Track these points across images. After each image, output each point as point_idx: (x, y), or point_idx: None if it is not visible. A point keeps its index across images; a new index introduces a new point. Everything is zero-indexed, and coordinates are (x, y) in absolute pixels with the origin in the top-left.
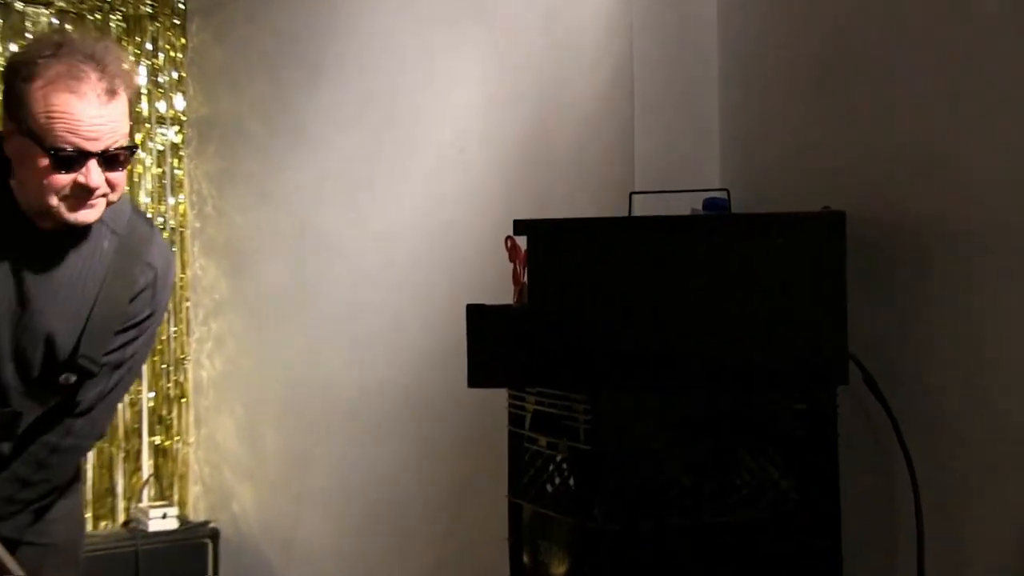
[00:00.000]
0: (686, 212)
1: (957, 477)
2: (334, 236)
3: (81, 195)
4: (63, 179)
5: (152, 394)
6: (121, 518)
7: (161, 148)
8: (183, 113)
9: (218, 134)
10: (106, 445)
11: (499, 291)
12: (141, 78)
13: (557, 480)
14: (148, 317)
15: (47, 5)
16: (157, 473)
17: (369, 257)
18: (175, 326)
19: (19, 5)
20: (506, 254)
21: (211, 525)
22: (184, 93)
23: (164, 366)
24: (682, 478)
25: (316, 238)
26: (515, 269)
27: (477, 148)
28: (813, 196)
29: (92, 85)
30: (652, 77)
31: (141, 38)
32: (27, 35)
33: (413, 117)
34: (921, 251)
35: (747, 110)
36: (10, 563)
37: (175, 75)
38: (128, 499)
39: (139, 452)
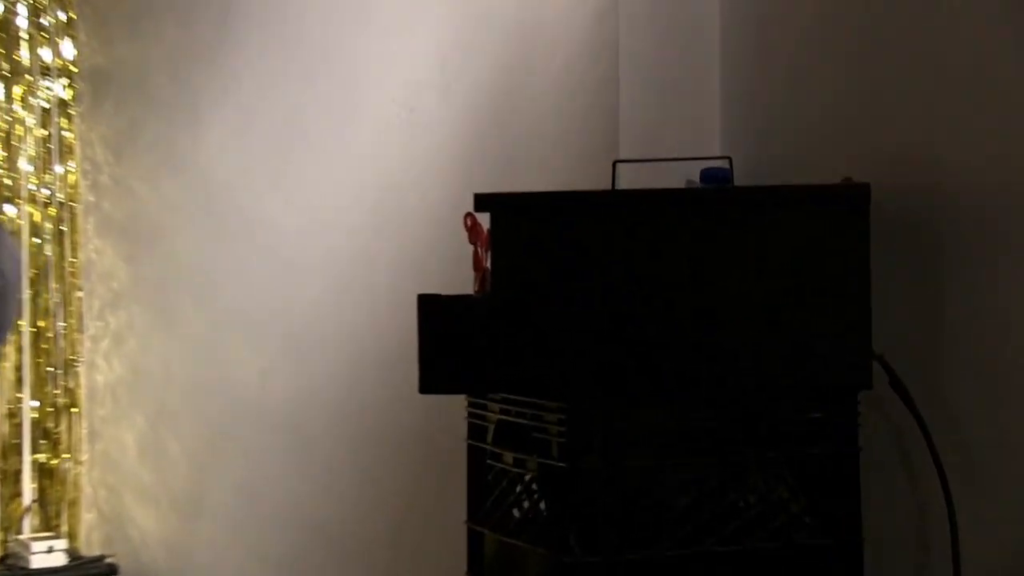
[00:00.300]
0: (681, 184)
1: (998, 498)
2: (257, 212)
3: None
4: None
5: (36, 403)
6: None
7: (46, 105)
8: (73, 63)
9: (116, 88)
10: None
11: (457, 279)
12: (20, 19)
13: (526, 504)
14: None
15: None
16: (41, 498)
17: (300, 238)
18: (64, 321)
19: None
20: (465, 235)
21: (108, 560)
22: (74, 39)
23: (51, 369)
24: (677, 499)
25: (236, 215)
26: (476, 252)
27: (430, 106)
28: (832, 166)
29: None
30: (640, 23)
31: None
32: None
33: (353, 68)
34: (960, 230)
35: (754, 63)
36: None
37: (62, 16)
38: (5, 530)
39: (19, 473)
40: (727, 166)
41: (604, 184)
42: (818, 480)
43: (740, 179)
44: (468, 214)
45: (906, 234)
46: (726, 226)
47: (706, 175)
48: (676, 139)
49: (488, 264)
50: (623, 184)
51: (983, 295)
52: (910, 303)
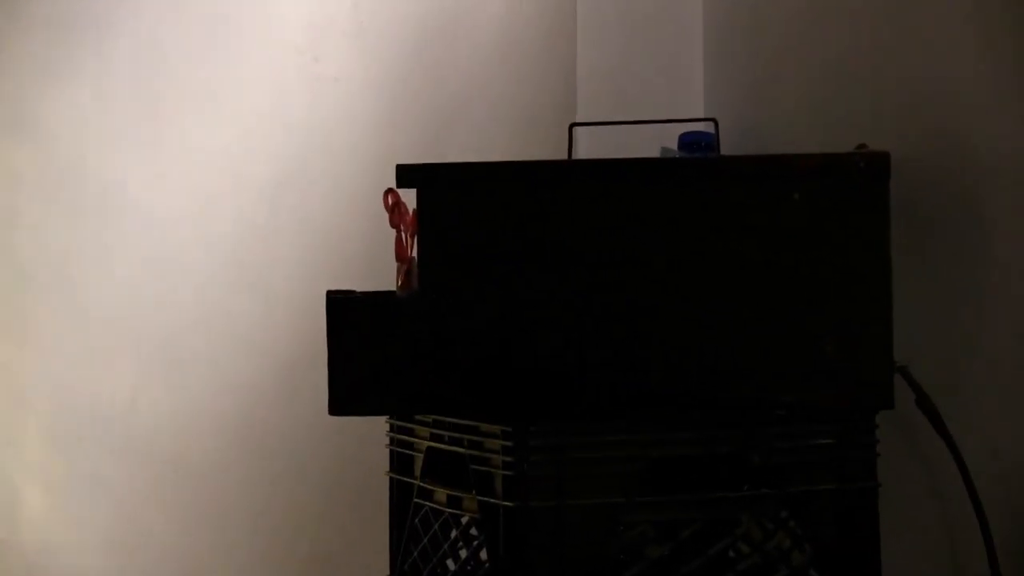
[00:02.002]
0: (654, 153)
1: None
2: (125, 190)
3: None
4: None
5: None
6: None
7: None
8: None
9: None
10: None
11: (375, 272)
12: None
13: (463, 553)
14: None
15: None
16: None
17: (178, 221)
18: None
19: None
20: (385, 217)
21: None
22: None
23: None
24: (651, 548)
25: (96, 191)
26: (399, 239)
27: (339, 54)
28: (841, 131)
29: None
30: None
31: None
32: None
33: (241, 6)
34: (1003, 209)
35: (745, 9)
36: None
37: None
38: None
39: None
40: (711, 130)
41: (559, 153)
42: (827, 523)
43: (727, 146)
44: (389, 191)
45: (934, 216)
46: (710, 204)
47: (686, 141)
48: (649, 97)
49: (414, 253)
50: (582, 153)
51: None
52: (941, 302)
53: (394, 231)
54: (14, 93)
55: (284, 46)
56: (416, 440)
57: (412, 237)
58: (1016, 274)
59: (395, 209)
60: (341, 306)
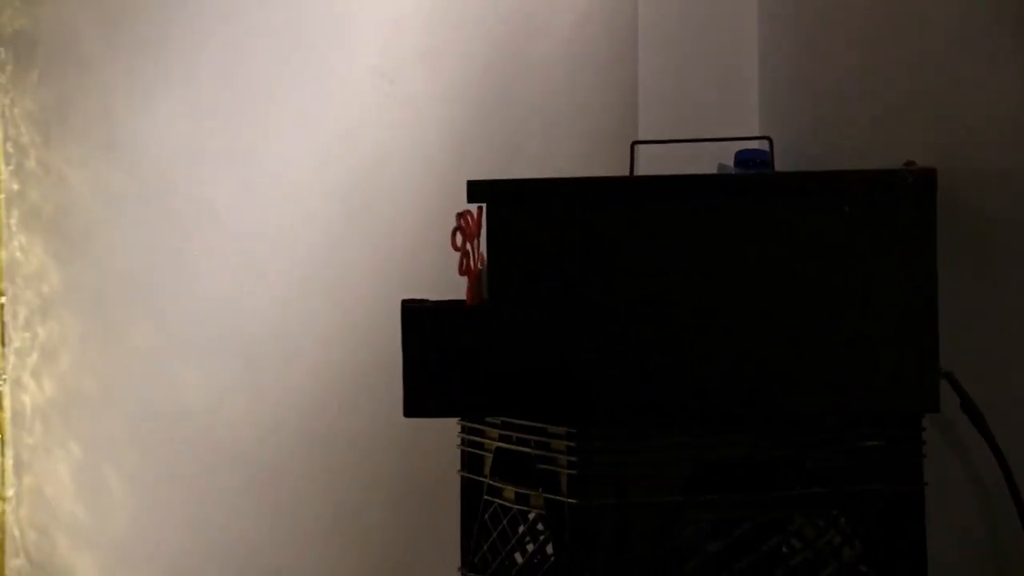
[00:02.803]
0: (712, 170)
1: None
2: (211, 204)
3: None
4: None
5: None
6: None
7: None
8: None
9: (43, 55)
10: None
11: (448, 282)
12: None
13: (530, 547)
14: None
15: None
16: None
17: (261, 234)
18: None
19: None
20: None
21: None
22: None
23: None
24: (708, 544)
25: (187, 206)
26: (467, 253)
27: (414, 77)
28: (891, 148)
29: None
30: None
31: None
32: None
33: (323, 31)
34: None
35: (800, 29)
36: None
37: None
38: None
39: None
40: (766, 148)
41: (621, 169)
42: (876, 521)
43: (782, 163)
44: (462, 214)
45: (979, 230)
46: (765, 219)
47: (742, 158)
48: (706, 117)
49: (483, 266)
50: (643, 169)
51: None
52: (986, 312)
53: (463, 247)
54: (109, 114)
55: (362, 68)
56: (486, 441)
57: (478, 250)
58: None
59: (466, 227)
60: (416, 314)
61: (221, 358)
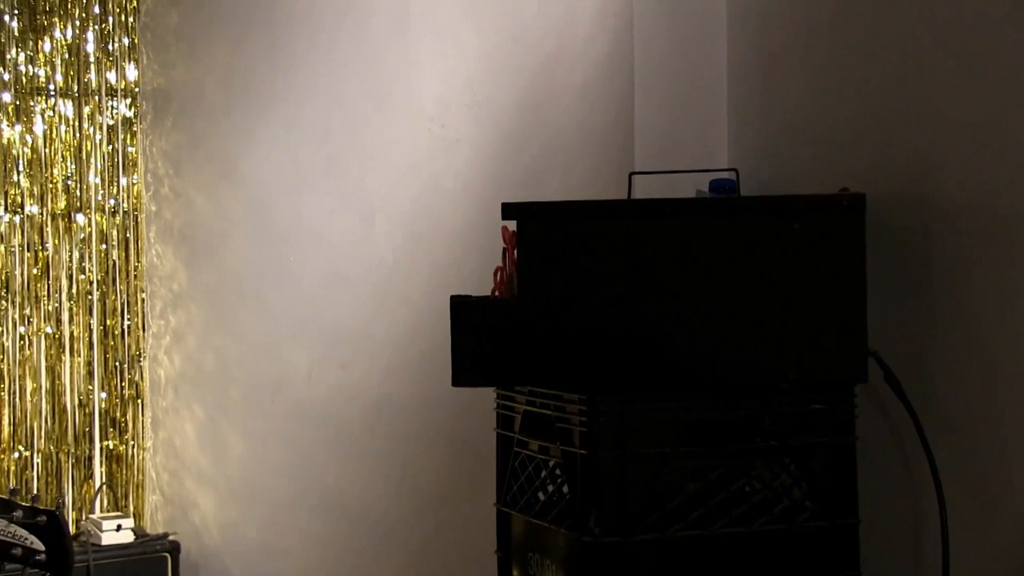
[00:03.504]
0: (691, 195)
1: (986, 483)
2: (304, 219)
3: None
4: None
5: (104, 394)
6: (72, 530)
7: (111, 123)
8: (135, 84)
9: (175, 107)
10: (53, 450)
11: (487, 282)
12: (89, 44)
13: (550, 488)
14: None
15: None
16: (110, 481)
17: (342, 244)
18: (129, 319)
19: None
20: (497, 241)
21: (170, 538)
22: (136, 62)
23: (118, 363)
24: (687, 486)
25: (284, 222)
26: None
27: (460, 122)
28: (831, 177)
29: None
30: (654, 46)
31: (88, 0)
32: None
33: (389, 88)
34: (950, 235)
35: (758, 82)
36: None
37: (126, 42)
38: (79, 509)
39: (90, 458)
40: (734, 178)
41: (621, 194)
42: (818, 468)
43: (746, 189)
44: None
45: (900, 239)
46: (733, 233)
47: (714, 185)
48: (687, 152)
49: (510, 269)
50: (638, 194)
51: (971, 296)
52: (903, 303)
53: (499, 256)
54: (225, 152)
55: (419, 116)
56: (516, 405)
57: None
58: (959, 282)
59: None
60: (462, 307)
61: (312, 341)
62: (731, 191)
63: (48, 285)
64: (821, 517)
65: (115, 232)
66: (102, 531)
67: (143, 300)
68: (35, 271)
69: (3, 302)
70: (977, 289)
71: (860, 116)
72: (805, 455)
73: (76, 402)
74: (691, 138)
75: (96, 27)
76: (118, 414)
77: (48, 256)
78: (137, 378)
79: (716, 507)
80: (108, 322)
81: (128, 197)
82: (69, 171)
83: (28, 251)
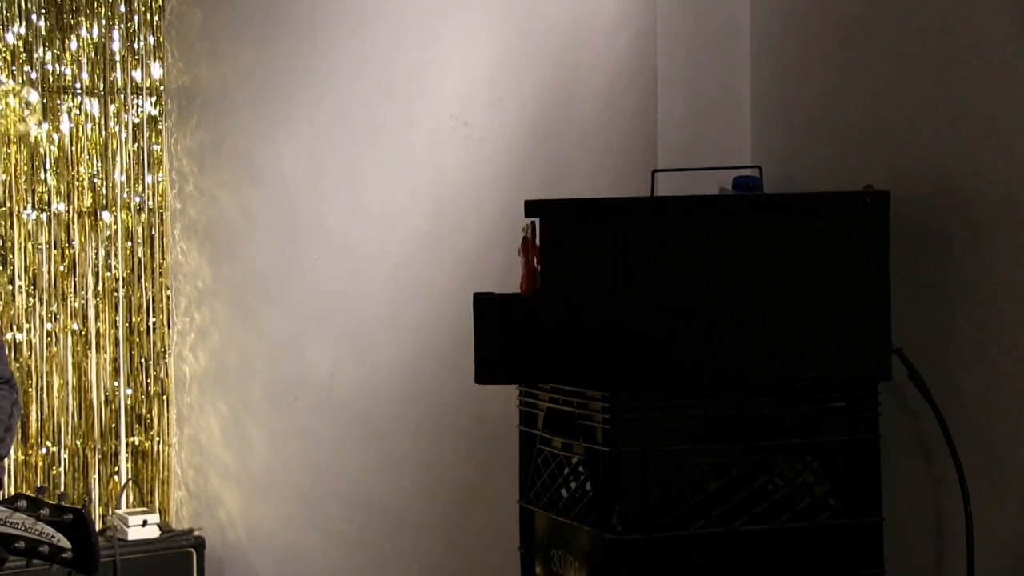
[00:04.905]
0: (714, 192)
1: (1011, 482)
2: (328, 217)
3: None
4: None
5: (130, 390)
6: (98, 526)
7: (137, 121)
8: (160, 82)
9: (199, 105)
10: (79, 446)
11: (510, 279)
12: (114, 43)
13: (573, 484)
14: None
15: None
16: (136, 477)
17: (366, 241)
18: (155, 317)
19: None
20: (517, 238)
21: (195, 533)
22: (161, 60)
23: (143, 360)
24: (709, 483)
25: (308, 219)
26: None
27: (483, 120)
28: (854, 174)
29: None
30: (677, 43)
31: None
32: None
33: (414, 87)
34: (974, 233)
35: (782, 79)
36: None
37: (151, 40)
38: (105, 505)
39: (116, 454)
40: (757, 175)
41: (644, 192)
42: (841, 465)
43: (769, 187)
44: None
45: (924, 236)
46: (756, 230)
47: (738, 183)
48: (710, 150)
49: (536, 266)
50: (661, 191)
51: (996, 293)
52: (927, 301)
53: (527, 256)
54: (249, 151)
55: (442, 114)
56: (538, 402)
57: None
58: (983, 280)
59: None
60: (485, 304)
61: (334, 339)
62: (755, 188)
63: (75, 282)
64: (844, 515)
65: (140, 229)
66: (128, 526)
67: (168, 297)
68: (62, 268)
69: (31, 299)
70: (1002, 286)
71: (884, 113)
72: (828, 453)
73: (102, 398)
74: (714, 135)
75: (122, 26)
76: (144, 410)
77: (75, 253)
78: (162, 375)
79: (738, 504)
80: (134, 319)
81: (153, 195)
82: (95, 169)
83: (55, 248)
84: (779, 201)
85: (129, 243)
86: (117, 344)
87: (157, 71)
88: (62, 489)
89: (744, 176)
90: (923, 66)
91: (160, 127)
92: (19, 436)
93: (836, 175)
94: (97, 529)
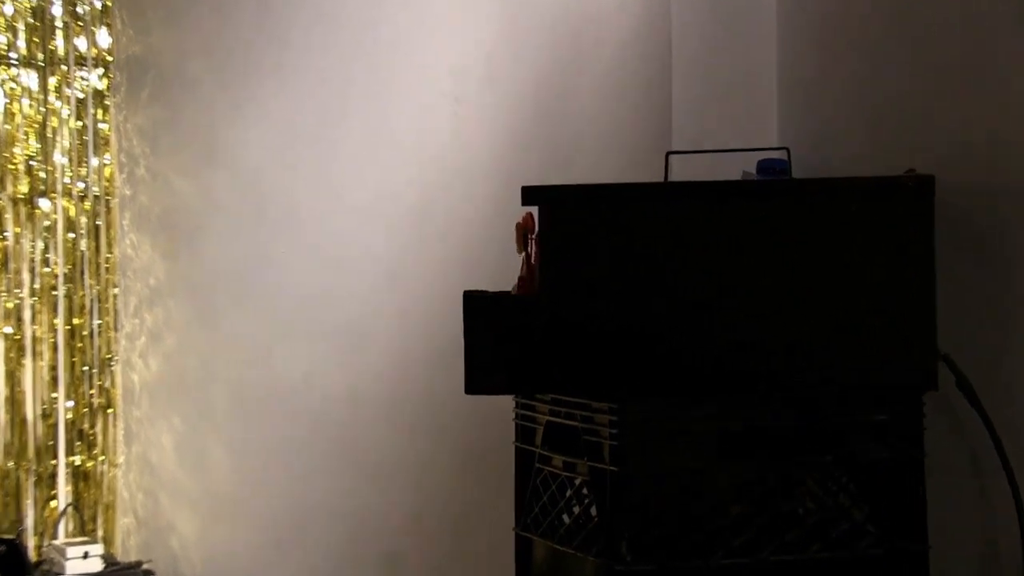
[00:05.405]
0: (736, 176)
1: None
2: (299, 206)
3: None
4: None
5: (70, 403)
6: (32, 558)
7: (81, 96)
8: (108, 52)
9: (153, 78)
10: (12, 467)
11: (505, 275)
12: (55, 7)
13: (576, 509)
14: None
15: None
16: (77, 502)
17: (344, 232)
18: (99, 318)
19: None
20: (514, 230)
21: (144, 566)
22: (110, 27)
23: (85, 368)
24: (731, 507)
25: (276, 208)
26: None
27: (478, 97)
28: (893, 157)
29: None
30: (694, 10)
31: None
32: None
33: (397, 57)
34: None
35: (812, 52)
36: None
37: (97, 4)
38: (40, 534)
39: (54, 476)
40: (784, 157)
41: (656, 176)
42: (881, 486)
43: (798, 171)
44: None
45: (972, 228)
46: (784, 219)
47: (763, 166)
48: (731, 130)
49: (534, 261)
50: (676, 176)
51: None
52: (977, 300)
53: (522, 249)
54: (209, 129)
55: (431, 90)
56: (537, 415)
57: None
58: None
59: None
60: (476, 303)
61: (308, 342)
62: (782, 172)
63: (7, 279)
64: (885, 542)
65: (84, 219)
66: (67, 559)
67: (115, 296)
68: None
69: None
70: None
71: (928, 90)
72: (866, 471)
73: (38, 412)
74: (736, 114)
75: None
76: (86, 426)
77: (7, 246)
78: (108, 385)
79: (764, 531)
80: (75, 321)
81: (99, 180)
82: (32, 150)
83: None
84: (811, 186)
85: (71, 234)
86: (56, 350)
87: (104, 39)
88: None
89: (770, 159)
90: (971, 39)
91: (107, 102)
92: None
93: (873, 159)
94: (32, 561)
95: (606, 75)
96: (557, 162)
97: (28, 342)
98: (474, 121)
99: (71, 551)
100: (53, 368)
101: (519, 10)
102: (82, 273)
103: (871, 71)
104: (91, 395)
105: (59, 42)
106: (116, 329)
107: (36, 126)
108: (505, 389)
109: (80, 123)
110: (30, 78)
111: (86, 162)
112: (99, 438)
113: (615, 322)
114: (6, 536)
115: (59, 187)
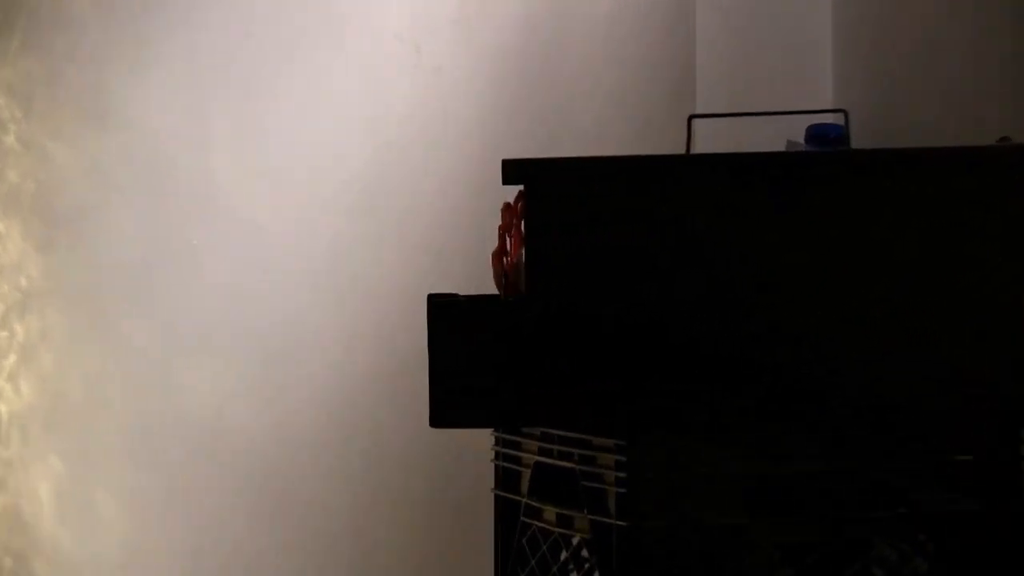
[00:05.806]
0: (780, 147)
1: None
2: (218, 182)
3: None
4: None
5: None
6: None
7: None
8: None
9: (26, 20)
10: None
11: (481, 275)
12: None
13: (574, 575)
14: None
15: None
16: None
17: (273, 216)
18: None
19: None
20: (491, 215)
21: None
22: None
23: None
24: (778, 572)
25: (188, 184)
26: (505, 241)
27: (445, 46)
28: (979, 123)
29: None
30: None
31: None
32: None
33: None
34: None
35: None
36: None
37: None
38: None
39: None
40: (841, 122)
41: (677, 147)
42: (968, 547)
43: (858, 139)
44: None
45: None
46: (840, 201)
47: (814, 133)
48: (772, 88)
49: (519, 254)
50: (701, 147)
51: None
52: None
53: (503, 238)
54: (100, 85)
55: (382, 35)
56: (523, 455)
57: (515, 237)
58: None
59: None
60: (444, 311)
61: (226, 359)
62: (837, 141)
63: None
64: None
65: None
66: None
67: None
68: None
69: None
70: None
71: (1009, 45)
72: (948, 528)
73: None
74: (778, 69)
75: None
76: None
77: None
78: None
79: None
80: None
81: None
82: None
83: None
84: (873, 160)
85: None
86: None
87: None
88: None
89: (822, 124)
90: None
91: None
92: None
93: (953, 125)
94: None
95: (612, 20)
96: (548, 129)
97: None
98: (442, 76)
99: None
100: None
101: None
102: None
103: (951, 19)
104: None
105: None
106: None
107: None
108: (481, 421)
109: None
110: None
111: None
112: None
113: (623, 334)
114: None
115: None
